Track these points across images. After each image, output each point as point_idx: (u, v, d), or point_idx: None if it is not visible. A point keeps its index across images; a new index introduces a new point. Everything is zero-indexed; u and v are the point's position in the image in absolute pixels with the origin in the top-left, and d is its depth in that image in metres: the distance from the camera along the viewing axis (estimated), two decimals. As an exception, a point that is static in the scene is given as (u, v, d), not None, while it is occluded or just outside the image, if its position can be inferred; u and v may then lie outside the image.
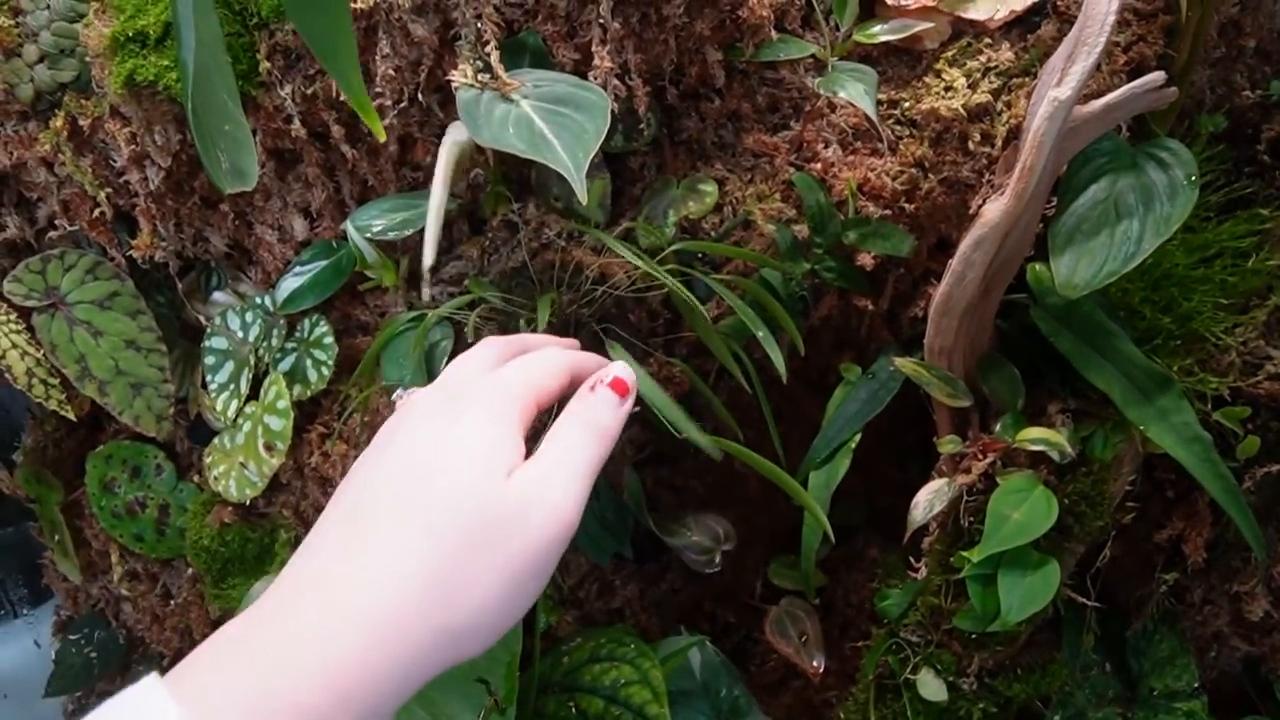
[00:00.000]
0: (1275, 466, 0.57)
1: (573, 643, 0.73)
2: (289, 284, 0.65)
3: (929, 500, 0.56)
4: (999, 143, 0.62)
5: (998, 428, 0.58)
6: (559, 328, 0.63)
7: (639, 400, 0.63)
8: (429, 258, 0.54)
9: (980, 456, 0.57)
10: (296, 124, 0.58)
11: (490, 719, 0.55)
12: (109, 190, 0.62)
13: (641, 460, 0.74)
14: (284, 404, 0.63)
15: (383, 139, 0.47)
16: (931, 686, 0.59)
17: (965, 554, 0.55)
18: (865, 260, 0.63)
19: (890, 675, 0.62)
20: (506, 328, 0.64)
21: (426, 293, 0.57)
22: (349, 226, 0.61)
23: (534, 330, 0.55)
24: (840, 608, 0.79)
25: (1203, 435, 0.53)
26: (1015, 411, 0.59)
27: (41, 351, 0.63)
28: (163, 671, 0.30)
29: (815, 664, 0.67)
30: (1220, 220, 0.60)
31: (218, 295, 0.73)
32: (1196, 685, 0.61)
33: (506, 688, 0.57)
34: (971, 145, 0.62)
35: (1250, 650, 0.64)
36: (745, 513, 0.82)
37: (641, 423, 0.71)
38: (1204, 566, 0.61)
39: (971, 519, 0.57)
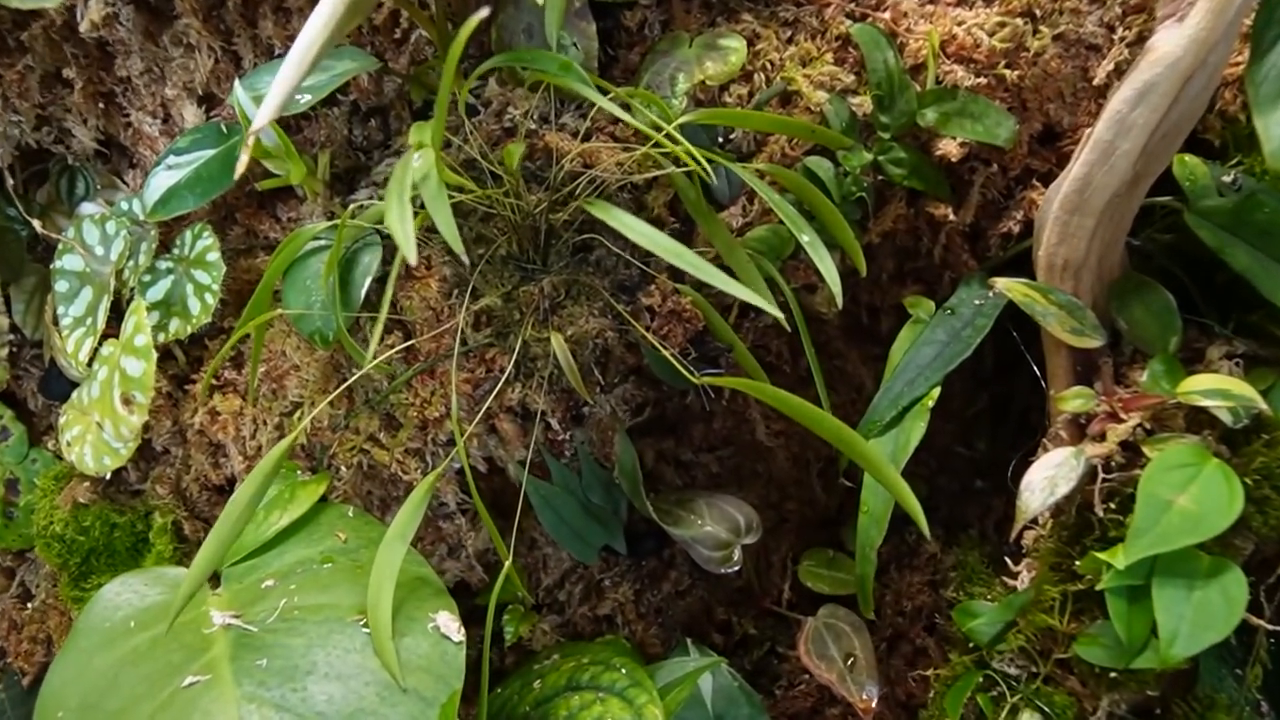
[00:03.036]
0: None
1: (548, 660, 0.56)
2: (162, 179, 0.48)
3: (1049, 479, 0.40)
4: (1142, -19, 0.45)
5: (1144, 377, 0.41)
6: (528, 239, 0.46)
7: (632, 336, 0.47)
8: (265, 113, 0.35)
9: (1121, 417, 0.40)
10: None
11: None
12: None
13: (638, 427, 0.57)
14: (143, 340, 0.46)
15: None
16: (1039, 738, 0.42)
17: (1103, 556, 0.38)
18: (948, 149, 0.46)
19: (979, 718, 0.45)
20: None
21: (241, 161, 0.37)
22: (238, 89, 0.44)
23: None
24: (889, 616, 0.63)
25: None
26: (1166, 354, 0.42)
27: None
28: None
29: (866, 696, 0.50)
30: None
31: (86, 206, 0.56)
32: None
33: (444, 736, 0.40)
34: (1103, -15, 0.45)
35: None
36: (770, 496, 0.66)
37: (637, 374, 0.54)
38: None
39: (1109, 505, 0.40)
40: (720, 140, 0.47)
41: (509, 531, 0.57)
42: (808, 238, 0.41)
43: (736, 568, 0.56)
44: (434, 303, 0.49)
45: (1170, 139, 0.38)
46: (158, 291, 0.50)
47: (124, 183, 0.57)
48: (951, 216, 0.49)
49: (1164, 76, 0.34)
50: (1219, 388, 0.38)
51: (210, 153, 0.49)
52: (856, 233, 0.48)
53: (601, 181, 0.45)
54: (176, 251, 0.50)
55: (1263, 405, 0.38)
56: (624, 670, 0.51)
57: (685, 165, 0.41)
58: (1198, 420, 0.41)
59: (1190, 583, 0.38)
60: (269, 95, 0.36)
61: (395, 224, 0.33)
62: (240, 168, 0.36)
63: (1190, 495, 0.37)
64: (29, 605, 0.59)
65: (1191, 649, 0.37)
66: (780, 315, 0.43)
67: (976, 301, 0.48)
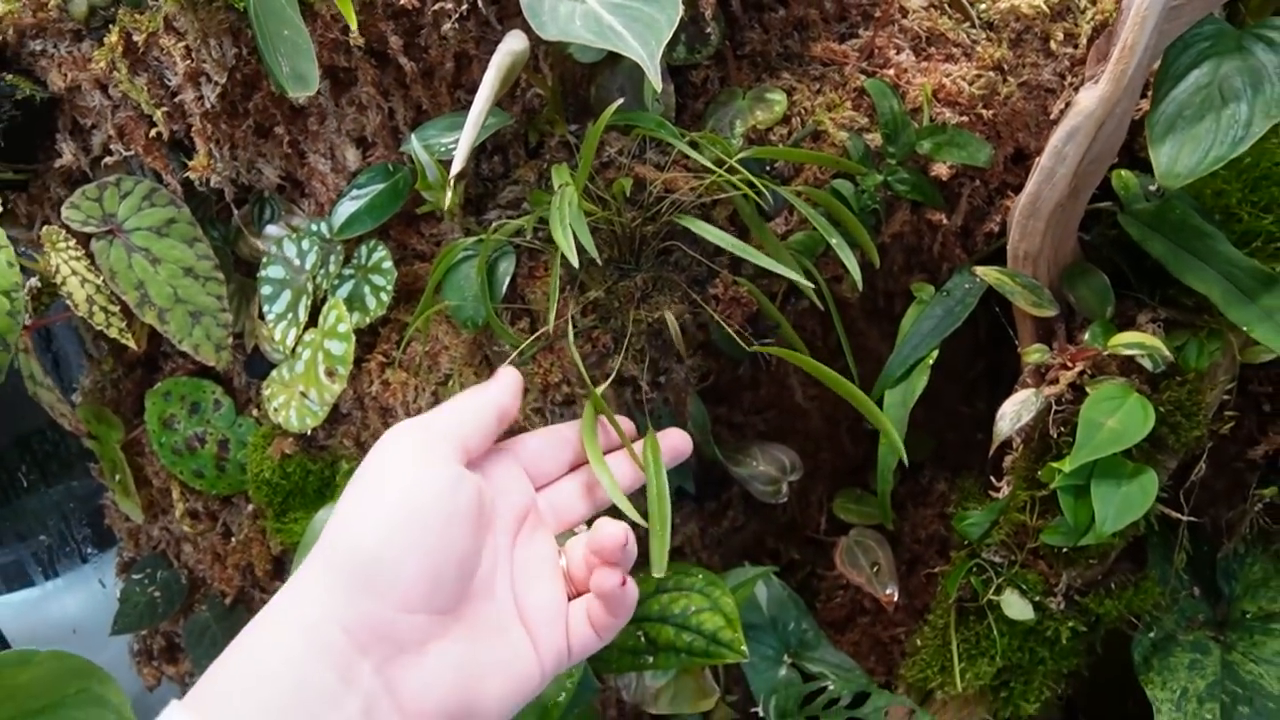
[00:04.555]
0: (1384, 373, 0.54)
1: (638, 578, 0.71)
2: (346, 207, 0.64)
3: (1016, 411, 0.54)
4: (1083, 42, 0.59)
5: (1086, 337, 0.56)
6: (625, 246, 0.62)
7: (701, 319, 0.61)
8: (459, 162, 0.52)
9: (1069, 366, 0.55)
10: (354, 33, 0.57)
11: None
12: (165, 109, 0.61)
13: (702, 393, 0.72)
14: (345, 328, 0.62)
15: (354, 26, 0.49)
16: (1017, 607, 0.57)
17: (1056, 465, 0.53)
18: (941, 170, 0.61)
19: (972, 598, 0.60)
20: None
21: (448, 198, 0.56)
22: (413, 141, 0.59)
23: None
24: (907, 543, 0.77)
25: (1314, 333, 0.50)
26: (1104, 320, 0.56)
27: (101, 278, 0.62)
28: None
29: (888, 592, 0.65)
30: (1323, 117, 0.57)
31: (271, 228, 0.71)
32: (1294, 606, 0.59)
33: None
34: (1054, 45, 0.60)
35: (1350, 571, 0.61)
36: (807, 448, 0.80)
37: (704, 349, 0.69)
38: (1303, 482, 0.58)
39: (1061, 430, 0.55)
40: (768, 168, 0.62)
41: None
42: (835, 240, 0.56)
43: (784, 499, 0.71)
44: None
45: (1097, 164, 0.53)
46: (344, 292, 0.66)
47: (299, 209, 0.73)
48: (945, 221, 0.64)
49: (1084, 123, 0.49)
50: (1138, 341, 0.53)
51: (381, 186, 0.65)
52: (872, 235, 0.63)
53: (679, 202, 0.61)
54: (356, 261, 0.66)
55: (1168, 354, 0.52)
56: (700, 575, 0.66)
57: (742, 189, 0.56)
58: (1128, 367, 0.55)
59: (1118, 481, 0.52)
60: (458, 154, 0.52)
61: (561, 239, 0.48)
62: (447, 202, 0.51)
63: (1117, 418, 0.52)
64: (230, 541, 0.76)
65: (1117, 526, 0.51)
66: (814, 297, 0.58)
67: (966, 285, 0.63)
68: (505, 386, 0.45)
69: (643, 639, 0.66)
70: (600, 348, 0.65)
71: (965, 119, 0.60)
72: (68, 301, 0.62)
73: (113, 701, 0.58)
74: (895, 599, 0.65)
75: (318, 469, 0.68)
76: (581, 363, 0.65)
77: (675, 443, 0.48)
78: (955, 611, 0.60)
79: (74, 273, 0.62)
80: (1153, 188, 0.59)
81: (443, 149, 0.61)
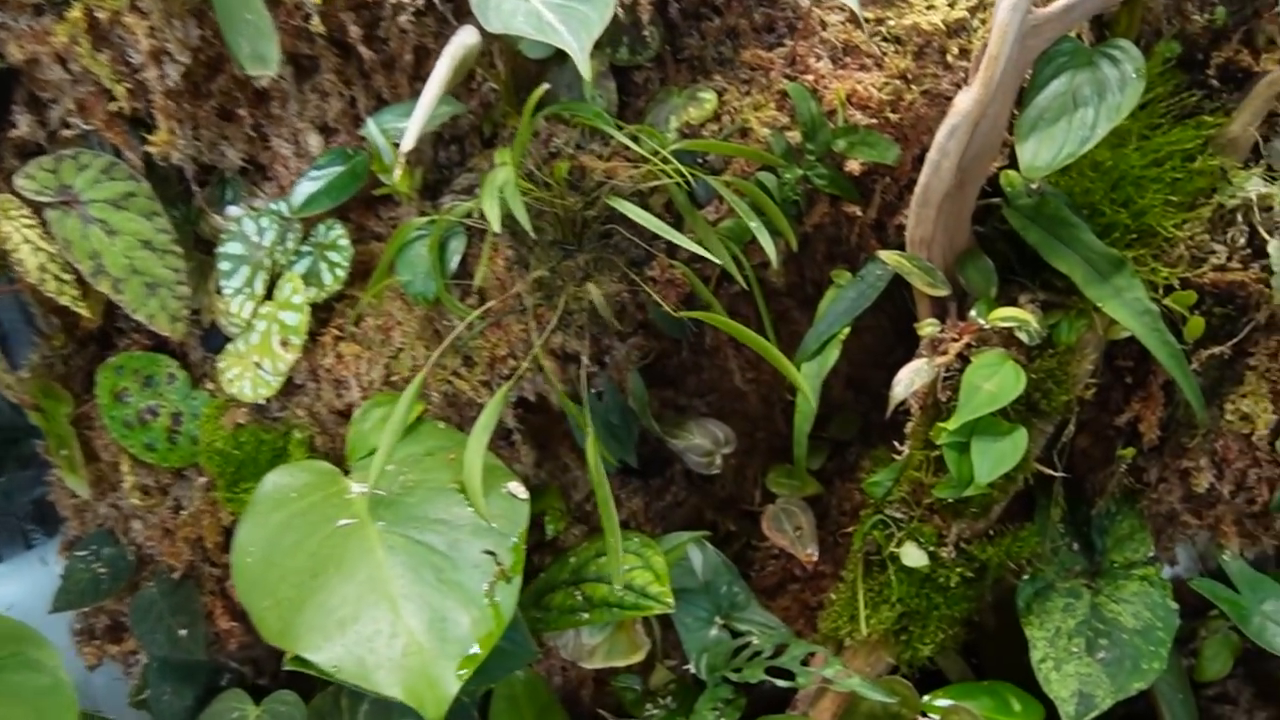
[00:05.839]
0: (1219, 348, 0.63)
1: (578, 547, 0.76)
2: (306, 187, 0.68)
3: (910, 377, 0.61)
4: (975, 56, 0.68)
5: (972, 313, 0.63)
6: (568, 228, 0.67)
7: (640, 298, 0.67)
8: (409, 141, 0.57)
9: (957, 338, 0.62)
10: (315, 21, 0.61)
11: (498, 588, 0.58)
12: (127, 85, 0.63)
13: (649, 376, 0.77)
14: (299, 299, 0.65)
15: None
16: (914, 556, 0.64)
17: (942, 425, 0.60)
18: (853, 167, 0.68)
19: (877, 551, 0.67)
20: (514, 229, 0.67)
21: (396, 175, 0.60)
22: (370, 125, 0.64)
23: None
24: (834, 515, 0.83)
25: (1152, 308, 0.59)
26: (989, 299, 0.64)
27: (55, 247, 0.64)
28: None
29: (809, 552, 0.71)
30: (1171, 129, 0.66)
31: (231, 209, 0.74)
32: (1152, 555, 0.67)
33: (514, 560, 0.60)
34: (950, 59, 0.68)
35: (1199, 525, 0.70)
36: (745, 429, 0.86)
37: (644, 327, 0.75)
38: (1158, 445, 0.66)
39: (949, 394, 0.62)
40: (700, 161, 0.68)
41: (551, 457, 0.77)
42: (755, 224, 0.62)
43: (718, 470, 0.77)
44: (500, 274, 0.69)
45: (979, 160, 0.60)
46: (300, 267, 0.69)
47: (261, 192, 0.76)
48: (861, 214, 0.70)
49: (961, 121, 0.57)
50: (1012, 315, 0.60)
51: (340, 169, 0.69)
52: (794, 224, 0.70)
53: (618, 189, 0.66)
54: (314, 238, 0.70)
55: (1038, 327, 0.60)
56: (636, 540, 0.71)
57: (675, 178, 0.62)
58: (1009, 340, 0.63)
59: (994, 438, 0.60)
60: (408, 132, 0.57)
61: (489, 209, 0.53)
62: (398, 178, 0.56)
63: (994, 382, 0.59)
64: (181, 514, 0.77)
65: (992, 476, 0.58)
66: (739, 276, 0.64)
67: (877, 272, 0.70)
68: None
69: (580, 597, 0.70)
70: (544, 323, 0.70)
71: (875, 121, 0.67)
72: (17, 269, 0.64)
73: (47, 664, 0.59)
74: (815, 558, 0.71)
75: (270, 439, 0.71)
76: (525, 338, 0.70)
77: None
78: (863, 564, 0.67)
79: (26, 240, 0.64)
80: (1034, 185, 0.67)
81: (398, 133, 0.65)
